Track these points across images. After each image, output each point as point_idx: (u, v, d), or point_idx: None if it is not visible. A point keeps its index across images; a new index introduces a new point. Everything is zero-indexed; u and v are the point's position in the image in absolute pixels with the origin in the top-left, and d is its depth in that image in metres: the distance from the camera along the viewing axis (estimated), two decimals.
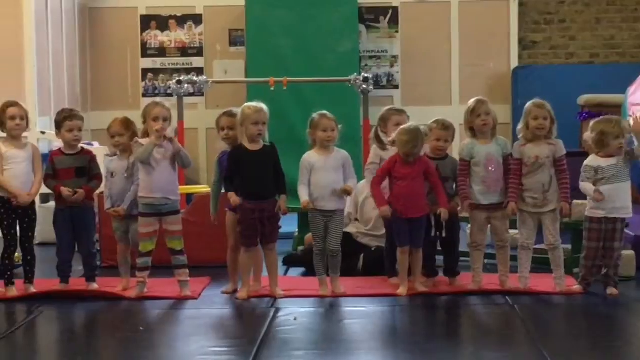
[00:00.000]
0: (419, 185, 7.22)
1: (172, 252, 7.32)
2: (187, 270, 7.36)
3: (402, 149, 7.23)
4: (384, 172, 7.31)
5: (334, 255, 7.30)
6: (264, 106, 7.23)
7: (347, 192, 7.29)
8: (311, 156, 7.32)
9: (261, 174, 7.14)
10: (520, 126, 7.31)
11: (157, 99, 7.73)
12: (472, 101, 7.40)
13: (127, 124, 7.54)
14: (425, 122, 7.53)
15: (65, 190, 7.39)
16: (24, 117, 7.45)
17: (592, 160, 7.26)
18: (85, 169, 7.54)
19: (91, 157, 7.61)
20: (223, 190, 7.46)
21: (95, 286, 7.53)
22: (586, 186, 7.18)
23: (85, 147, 7.77)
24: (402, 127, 7.37)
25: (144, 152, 7.17)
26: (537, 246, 7.45)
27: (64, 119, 7.55)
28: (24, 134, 7.53)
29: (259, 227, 7.18)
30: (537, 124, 7.21)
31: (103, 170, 7.62)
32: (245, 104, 7.30)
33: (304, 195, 7.23)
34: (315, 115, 7.35)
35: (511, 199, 7.23)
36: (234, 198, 7.14)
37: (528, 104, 7.31)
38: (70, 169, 7.51)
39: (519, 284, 7.30)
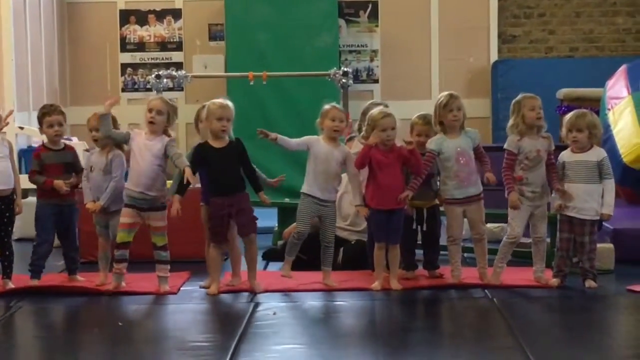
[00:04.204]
0: (397, 175, 7.20)
1: (154, 246, 7.29)
2: (168, 267, 7.33)
3: (379, 127, 7.13)
4: (365, 154, 7.19)
5: (327, 245, 7.33)
6: (229, 102, 7.19)
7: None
8: (321, 142, 7.30)
9: (228, 169, 7.11)
10: (512, 122, 7.23)
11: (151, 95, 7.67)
12: (444, 95, 7.34)
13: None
14: (404, 116, 7.51)
15: (62, 183, 7.37)
16: None
17: (562, 155, 7.25)
18: (72, 165, 7.54)
19: (74, 153, 7.63)
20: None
21: (80, 279, 7.56)
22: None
23: (67, 142, 7.74)
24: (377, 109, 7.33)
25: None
26: None
27: (44, 115, 7.52)
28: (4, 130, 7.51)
29: (229, 222, 7.15)
30: (535, 114, 7.17)
31: (82, 165, 7.61)
32: (211, 100, 7.27)
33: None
34: (327, 105, 7.36)
35: (511, 189, 7.17)
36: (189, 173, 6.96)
37: (518, 99, 7.24)
38: (59, 165, 7.49)
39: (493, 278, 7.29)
